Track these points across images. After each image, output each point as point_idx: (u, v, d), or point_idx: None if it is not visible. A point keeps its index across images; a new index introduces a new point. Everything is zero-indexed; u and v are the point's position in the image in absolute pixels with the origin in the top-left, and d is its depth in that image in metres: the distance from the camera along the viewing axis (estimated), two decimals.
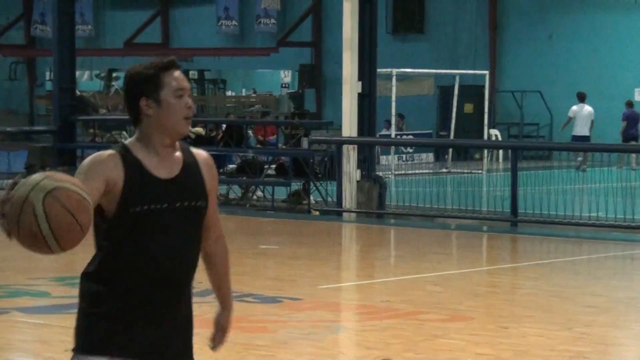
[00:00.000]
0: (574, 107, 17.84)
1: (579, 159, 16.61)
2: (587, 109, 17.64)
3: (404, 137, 17.19)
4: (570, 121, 17.26)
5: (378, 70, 12.29)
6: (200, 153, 1.86)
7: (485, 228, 10.65)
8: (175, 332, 1.80)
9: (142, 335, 1.74)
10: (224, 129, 12.99)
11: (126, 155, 1.75)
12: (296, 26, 18.14)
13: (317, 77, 21.13)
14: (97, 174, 1.68)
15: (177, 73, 1.81)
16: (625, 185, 13.98)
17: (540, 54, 20.77)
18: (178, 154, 1.81)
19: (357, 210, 11.22)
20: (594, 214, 10.89)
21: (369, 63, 11.43)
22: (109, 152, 1.75)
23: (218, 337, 1.97)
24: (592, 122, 17.64)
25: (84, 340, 1.77)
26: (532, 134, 20.59)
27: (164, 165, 1.78)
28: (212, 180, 1.84)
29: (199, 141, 11.90)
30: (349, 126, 11.27)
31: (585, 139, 17.24)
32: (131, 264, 1.73)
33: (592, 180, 15.76)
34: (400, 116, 17.74)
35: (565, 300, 6.95)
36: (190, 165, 1.81)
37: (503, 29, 22.36)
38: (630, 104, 17.60)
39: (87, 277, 1.77)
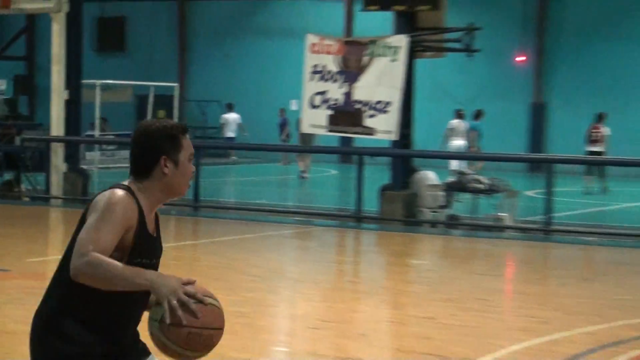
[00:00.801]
0: (225, 115, 20.33)
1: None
2: (234, 115, 19.96)
3: (107, 136, 18.43)
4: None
5: (84, 81, 13.30)
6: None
7: (173, 212, 11.00)
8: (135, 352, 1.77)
9: None
10: None
11: (137, 203, 1.66)
12: (11, 42, 18.49)
13: (31, 86, 22.22)
14: (123, 218, 1.60)
15: (188, 138, 1.77)
16: (275, 178, 17.47)
17: (219, 70, 23.10)
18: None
19: (63, 197, 12.11)
20: (258, 201, 12.82)
21: (75, 75, 12.32)
22: (128, 195, 1.64)
23: None
24: (240, 125, 19.89)
25: None
26: (214, 135, 22.39)
27: (151, 221, 1.71)
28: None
29: None
30: (57, 127, 12.13)
31: (232, 139, 19.75)
32: (115, 306, 1.64)
33: (257, 173, 18.67)
34: (103, 119, 18.62)
35: (233, 270, 7.49)
36: (159, 224, 1.78)
37: (190, 49, 24.87)
38: (282, 112, 19.98)
39: (62, 314, 1.64)
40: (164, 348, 1.57)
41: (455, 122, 15.57)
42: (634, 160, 12.91)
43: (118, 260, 1.56)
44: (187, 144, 1.73)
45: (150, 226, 1.71)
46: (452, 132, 15.34)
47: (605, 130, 15.20)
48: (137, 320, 1.75)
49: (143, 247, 1.66)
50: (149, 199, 1.69)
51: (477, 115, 16.24)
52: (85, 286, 1.55)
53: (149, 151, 1.68)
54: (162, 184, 1.69)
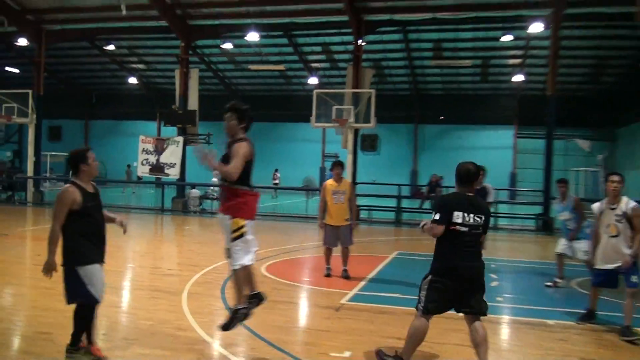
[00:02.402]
0: None
1: None
2: None
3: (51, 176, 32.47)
4: None
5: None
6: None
7: None
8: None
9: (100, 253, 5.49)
10: None
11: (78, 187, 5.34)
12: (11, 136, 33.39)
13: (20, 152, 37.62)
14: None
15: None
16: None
17: None
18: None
19: (33, 202, 26.03)
20: None
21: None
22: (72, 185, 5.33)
23: None
24: None
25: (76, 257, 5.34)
26: None
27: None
28: None
29: None
30: (30, 171, 26.59)
31: None
32: (90, 228, 5.39)
33: None
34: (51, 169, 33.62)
35: None
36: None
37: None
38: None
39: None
40: None
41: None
42: None
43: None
44: (90, 155, 5.49)
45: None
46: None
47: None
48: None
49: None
50: (82, 181, 5.44)
51: None
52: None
53: (74, 162, 5.49)
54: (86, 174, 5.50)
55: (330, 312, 7.89)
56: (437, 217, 5.34)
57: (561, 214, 10.33)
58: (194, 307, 7.82)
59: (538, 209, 21.21)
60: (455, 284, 5.37)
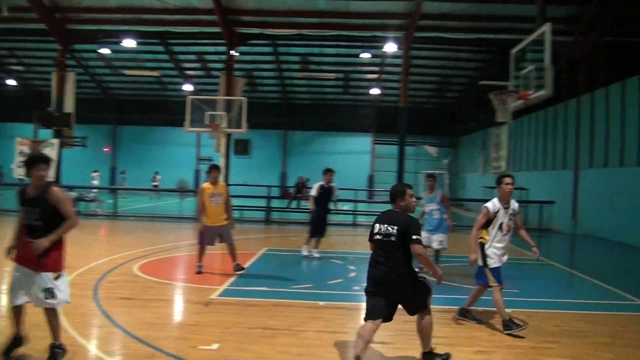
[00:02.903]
0: None
1: None
2: None
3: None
4: None
5: None
6: None
7: None
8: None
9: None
10: None
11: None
12: None
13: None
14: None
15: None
16: None
17: None
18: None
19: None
20: None
21: None
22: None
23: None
24: None
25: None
26: None
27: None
28: None
29: None
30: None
31: None
32: None
33: None
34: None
35: None
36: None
37: None
38: None
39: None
40: None
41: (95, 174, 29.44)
42: None
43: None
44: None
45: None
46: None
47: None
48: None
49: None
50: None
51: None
52: None
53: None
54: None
55: (201, 307, 7.76)
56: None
57: (428, 205, 10.84)
58: (66, 308, 7.34)
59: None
60: (374, 288, 5.58)
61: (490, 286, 7.09)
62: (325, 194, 12.48)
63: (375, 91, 36.29)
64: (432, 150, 40.42)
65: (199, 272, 10.14)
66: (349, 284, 9.65)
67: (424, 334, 5.72)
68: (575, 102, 21.80)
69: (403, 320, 6.16)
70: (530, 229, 20.45)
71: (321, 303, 8.05)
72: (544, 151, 25.08)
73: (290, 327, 6.77)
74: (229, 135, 21.61)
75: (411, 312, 5.75)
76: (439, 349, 5.95)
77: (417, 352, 5.89)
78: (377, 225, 5.68)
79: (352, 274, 10.62)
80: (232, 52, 22.52)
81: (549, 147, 24.46)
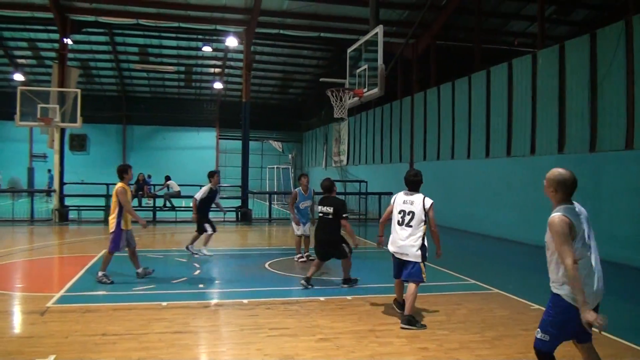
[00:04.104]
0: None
1: None
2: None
3: None
4: None
5: None
6: None
7: None
8: None
9: None
10: None
11: None
12: None
13: None
14: None
15: None
16: None
17: None
18: None
19: None
20: None
21: None
22: None
23: None
24: None
25: None
26: None
27: None
28: None
29: None
30: None
31: None
32: None
33: None
34: None
35: None
36: None
37: None
38: None
39: None
40: None
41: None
42: None
43: None
44: None
45: None
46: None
47: None
48: None
49: None
50: None
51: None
52: None
53: None
54: None
55: (36, 317, 7.22)
56: None
57: (304, 202, 11.89)
58: None
59: (238, 202, 22.22)
60: (317, 245, 9.18)
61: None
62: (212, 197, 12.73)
63: (218, 85, 36.04)
64: (276, 145, 41.18)
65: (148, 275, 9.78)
66: (193, 283, 9.56)
67: (345, 269, 9.24)
68: (410, 100, 23.43)
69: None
70: (371, 219, 21.68)
71: (164, 304, 7.88)
72: (381, 145, 26.64)
73: (130, 331, 6.56)
74: (63, 130, 20.24)
75: (338, 258, 9.13)
76: (283, 340, 6.16)
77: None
78: (319, 207, 9.09)
79: (197, 272, 10.52)
80: (66, 41, 21.03)
81: (386, 141, 26.05)
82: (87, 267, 10.80)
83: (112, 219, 9.47)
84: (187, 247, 12.68)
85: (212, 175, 12.76)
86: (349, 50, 14.27)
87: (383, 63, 12.08)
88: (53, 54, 28.26)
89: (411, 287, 7.10)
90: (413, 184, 7.29)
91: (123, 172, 9.69)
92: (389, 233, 7.38)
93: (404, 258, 7.14)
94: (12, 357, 5.78)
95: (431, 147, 21.61)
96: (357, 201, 24.93)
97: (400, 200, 7.26)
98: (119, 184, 9.52)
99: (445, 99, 20.74)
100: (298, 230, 11.85)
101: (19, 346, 6.11)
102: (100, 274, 9.42)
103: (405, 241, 7.09)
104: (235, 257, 12.64)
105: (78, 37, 24.78)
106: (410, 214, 7.09)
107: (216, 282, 9.88)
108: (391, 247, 7.27)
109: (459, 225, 18.60)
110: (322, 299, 8.08)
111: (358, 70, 13.30)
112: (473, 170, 18.55)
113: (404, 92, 24.30)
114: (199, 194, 12.48)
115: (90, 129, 35.72)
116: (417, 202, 7.12)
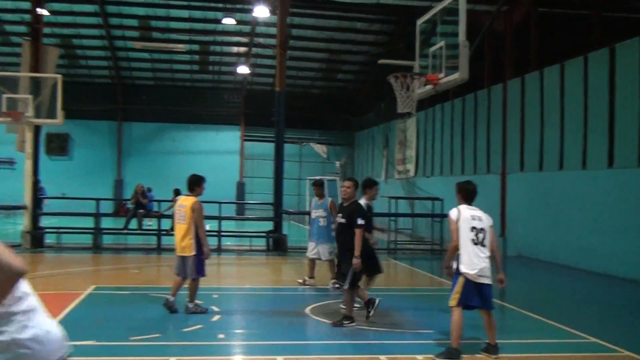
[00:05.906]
0: None
1: None
2: None
3: None
4: None
5: None
6: None
7: None
8: None
9: None
10: None
11: None
12: None
13: None
14: None
15: None
16: None
17: None
18: None
19: None
20: None
21: None
22: None
23: None
24: None
25: None
26: None
27: None
28: None
29: None
30: None
31: None
32: None
33: None
34: None
35: None
36: None
37: None
38: None
39: None
40: None
41: None
42: None
43: None
44: None
45: None
46: None
47: None
48: None
49: None
50: None
51: None
52: None
53: None
54: None
55: None
56: None
57: (316, 211, 12.94)
58: None
59: (269, 226, 22.29)
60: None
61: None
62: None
63: (243, 70, 36.33)
64: (320, 149, 41.11)
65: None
66: (210, 332, 9.63)
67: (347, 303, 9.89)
68: (501, 89, 23.22)
69: None
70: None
71: (172, 359, 7.98)
72: (462, 151, 26.41)
73: None
74: (37, 128, 20.75)
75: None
76: None
77: None
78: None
79: (216, 317, 10.60)
80: (40, 11, 21.53)
81: (469, 145, 25.80)
82: (69, 307, 11.01)
83: (189, 241, 10.08)
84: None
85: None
86: (418, 22, 14.28)
87: (466, 39, 12.04)
88: (23, 29, 28.88)
89: (491, 315, 7.92)
90: (474, 196, 8.06)
91: (195, 184, 10.15)
92: None
93: (485, 281, 7.71)
94: None
95: (531, 153, 21.31)
96: (429, 225, 24.72)
97: (468, 216, 7.83)
98: (194, 199, 10.02)
99: (550, 87, 20.46)
100: (311, 250, 12.98)
101: None
102: (190, 305, 10.21)
103: (487, 263, 7.71)
104: (266, 298, 12.70)
105: (57, 5, 25.43)
106: (482, 232, 7.76)
107: (240, 331, 9.94)
108: (467, 270, 7.66)
109: (571, 260, 18.23)
110: (382, 357, 8.05)
111: (431, 49, 13.29)
112: (590, 184, 18.20)
113: (494, 78, 24.06)
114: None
115: (74, 126, 36.40)
116: (485, 219, 7.87)
